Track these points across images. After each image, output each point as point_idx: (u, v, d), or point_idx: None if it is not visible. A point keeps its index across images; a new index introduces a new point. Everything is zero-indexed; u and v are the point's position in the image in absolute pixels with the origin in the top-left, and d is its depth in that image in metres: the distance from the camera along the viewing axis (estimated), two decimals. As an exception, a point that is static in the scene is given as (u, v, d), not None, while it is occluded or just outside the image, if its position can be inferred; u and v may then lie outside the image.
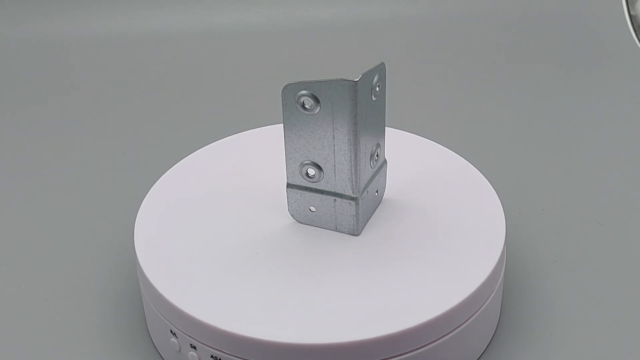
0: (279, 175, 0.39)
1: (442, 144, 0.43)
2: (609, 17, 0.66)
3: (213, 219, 0.38)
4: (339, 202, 0.36)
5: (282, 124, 0.43)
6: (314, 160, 0.35)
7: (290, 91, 0.34)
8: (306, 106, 0.34)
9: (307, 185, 0.36)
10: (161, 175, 0.41)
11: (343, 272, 0.35)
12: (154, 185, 0.40)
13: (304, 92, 0.33)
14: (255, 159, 0.42)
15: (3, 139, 0.54)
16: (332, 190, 0.36)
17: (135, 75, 0.61)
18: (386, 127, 0.43)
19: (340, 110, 0.33)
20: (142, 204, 0.39)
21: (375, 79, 0.34)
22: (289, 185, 0.36)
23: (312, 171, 0.35)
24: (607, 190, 0.47)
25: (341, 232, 0.37)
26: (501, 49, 0.64)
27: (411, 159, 0.41)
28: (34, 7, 0.65)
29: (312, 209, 0.37)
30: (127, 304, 0.39)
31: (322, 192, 0.36)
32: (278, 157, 0.40)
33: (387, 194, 0.39)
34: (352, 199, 0.35)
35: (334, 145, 0.34)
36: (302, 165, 0.35)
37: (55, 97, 0.59)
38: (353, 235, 0.36)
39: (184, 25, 0.65)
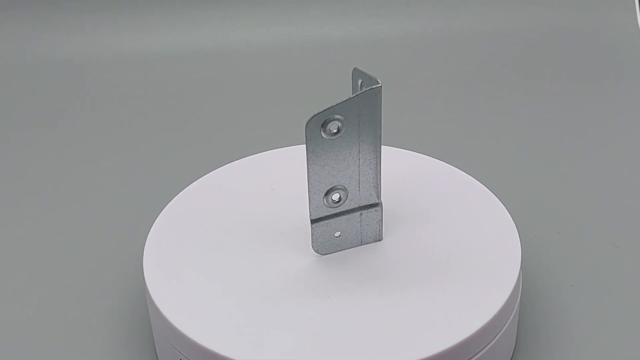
0: (297, 199, 0.38)
1: (453, 164, 0.42)
2: (622, 31, 0.65)
3: (226, 245, 0.37)
4: (364, 214, 0.35)
5: (295, 146, 0.43)
6: (340, 184, 0.34)
7: (315, 122, 0.32)
8: (332, 131, 0.33)
9: (332, 213, 0.35)
10: (173, 198, 0.40)
11: (354, 302, 0.34)
12: (165, 208, 0.40)
13: (329, 118, 0.32)
14: (270, 182, 0.41)
15: (14, 158, 0.53)
16: (357, 205, 0.35)
17: (146, 94, 0.61)
18: (394, 148, 0.43)
19: (367, 120, 0.33)
20: (152, 228, 0.38)
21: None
22: (313, 222, 0.35)
23: (337, 196, 0.35)
24: (623, 211, 0.46)
25: (366, 243, 0.36)
26: (513, 65, 0.63)
27: (421, 180, 0.41)
28: (42, 25, 0.65)
29: (337, 234, 0.36)
30: (137, 329, 0.39)
31: (347, 212, 0.35)
32: (294, 180, 0.40)
33: (398, 217, 0.38)
34: (376, 205, 0.35)
35: (359, 160, 0.34)
36: (327, 194, 0.34)
37: (65, 117, 0.58)
38: (377, 241, 0.36)
39: (195, 44, 0.65)
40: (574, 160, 0.52)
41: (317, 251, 0.36)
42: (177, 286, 0.35)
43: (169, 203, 0.40)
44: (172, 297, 0.34)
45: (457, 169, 0.42)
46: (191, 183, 0.41)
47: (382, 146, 0.42)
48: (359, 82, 0.34)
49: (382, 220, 0.36)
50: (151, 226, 0.38)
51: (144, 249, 0.37)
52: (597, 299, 0.40)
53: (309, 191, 0.34)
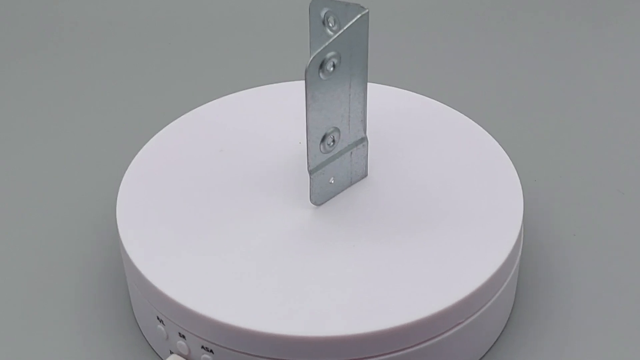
0: (281, 144, 0.37)
1: (452, 106, 0.40)
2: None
3: (206, 195, 0.35)
4: (354, 152, 0.34)
5: (278, 84, 0.41)
6: (334, 125, 0.33)
7: (314, 65, 0.30)
8: (329, 70, 0.31)
9: (327, 158, 0.33)
10: (148, 140, 0.38)
11: (349, 259, 0.32)
12: (139, 152, 0.37)
13: (326, 57, 0.30)
14: (253, 121, 0.39)
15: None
16: (348, 144, 0.34)
17: (119, 22, 0.57)
18: (391, 87, 0.41)
19: (357, 52, 0.31)
20: (125, 174, 0.36)
21: None
22: (312, 172, 0.33)
23: (331, 139, 0.33)
24: (630, 156, 0.44)
25: (355, 182, 0.35)
26: (513, 10, 0.60)
27: (419, 121, 0.39)
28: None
29: (332, 180, 0.34)
30: (111, 285, 0.37)
31: (340, 154, 0.34)
32: (277, 121, 0.38)
33: (397, 163, 0.36)
34: (363, 139, 0.34)
35: (349, 95, 0.33)
36: (323, 140, 0.33)
37: (30, 50, 0.55)
38: (364, 177, 0.35)
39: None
40: (578, 101, 0.49)
41: (314, 203, 0.34)
42: (152, 240, 0.33)
43: (142, 147, 0.37)
44: (147, 253, 0.32)
45: (455, 111, 0.39)
46: (168, 123, 0.39)
47: (381, 85, 0.40)
48: (323, 13, 0.32)
49: (367, 154, 0.35)
50: (125, 171, 0.36)
51: (117, 197, 0.34)
52: (600, 249, 0.38)
53: (307, 141, 0.32)
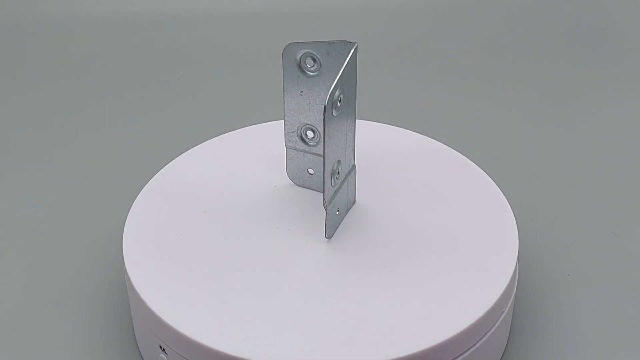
0: (278, 180, 0.38)
1: (448, 144, 0.40)
2: (624, 5, 0.63)
3: (208, 227, 0.35)
4: (349, 180, 0.35)
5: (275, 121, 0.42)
6: (339, 158, 0.34)
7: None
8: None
9: (334, 190, 0.34)
10: (154, 174, 0.39)
11: (342, 291, 0.32)
12: (146, 185, 0.38)
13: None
14: (253, 158, 0.39)
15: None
16: (345, 173, 0.35)
17: (126, 59, 0.58)
18: (389, 125, 0.42)
19: (352, 83, 0.33)
20: (132, 206, 0.37)
21: None
22: (327, 207, 0.34)
23: (337, 171, 0.34)
24: (624, 198, 0.45)
25: (349, 210, 0.36)
26: (511, 42, 0.61)
27: (417, 160, 0.39)
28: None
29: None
30: (115, 311, 0.37)
31: (341, 184, 0.35)
32: (274, 158, 0.39)
33: (390, 198, 0.37)
34: (354, 167, 0.35)
35: (346, 127, 0.34)
36: (332, 173, 0.34)
37: (37, 85, 0.56)
38: (354, 203, 0.36)
39: (176, 8, 0.62)
40: (574, 142, 0.50)
41: (328, 237, 0.35)
42: (157, 271, 0.33)
43: (151, 179, 0.38)
44: (152, 283, 0.33)
45: (452, 149, 0.40)
46: (173, 159, 0.40)
47: (376, 123, 0.41)
48: (299, 56, 0.33)
49: (356, 180, 0.36)
50: (132, 203, 0.37)
51: (123, 229, 0.35)
52: (594, 289, 0.39)
53: (324, 177, 0.33)
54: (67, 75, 0.56)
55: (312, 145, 0.36)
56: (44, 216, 0.44)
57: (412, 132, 0.41)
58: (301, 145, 0.36)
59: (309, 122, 0.35)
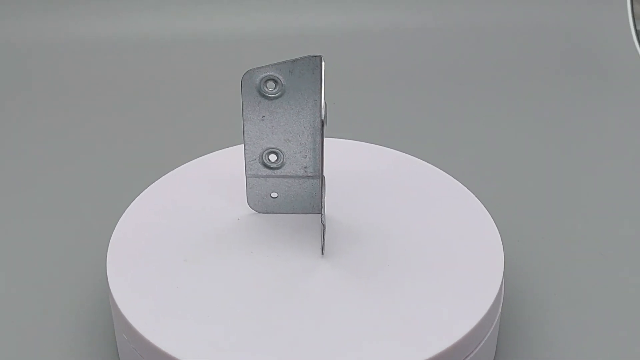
0: (239, 211, 0.37)
1: (435, 164, 0.40)
2: (615, 33, 0.64)
3: (193, 248, 0.35)
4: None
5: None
6: (274, 147, 0.35)
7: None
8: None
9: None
10: (139, 193, 0.39)
11: (329, 310, 0.32)
12: (129, 205, 0.38)
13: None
14: (209, 190, 0.39)
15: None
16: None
17: (120, 81, 0.59)
18: (376, 145, 0.42)
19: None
20: (116, 226, 0.37)
21: None
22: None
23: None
24: (611, 219, 0.45)
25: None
26: (499, 67, 0.61)
27: (402, 179, 0.39)
28: (22, 9, 0.62)
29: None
30: (99, 334, 0.37)
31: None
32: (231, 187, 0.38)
33: (376, 217, 0.37)
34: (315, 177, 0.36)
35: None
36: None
37: (21, 105, 0.56)
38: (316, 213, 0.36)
39: (172, 31, 0.63)
40: (562, 164, 0.50)
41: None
42: (139, 285, 0.33)
43: (136, 198, 0.38)
44: (134, 297, 0.33)
45: (439, 169, 0.40)
46: (159, 178, 0.40)
47: (364, 143, 0.41)
48: (259, 80, 0.33)
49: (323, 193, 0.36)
50: (115, 224, 0.37)
51: (107, 250, 0.35)
52: (580, 309, 0.39)
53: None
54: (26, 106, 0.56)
55: (276, 168, 0.36)
56: (29, 231, 0.43)
57: (398, 151, 0.41)
58: (263, 171, 0.35)
59: (272, 146, 0.35)
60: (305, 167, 0.35)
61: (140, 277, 0.34)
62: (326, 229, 0.34)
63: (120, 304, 0.32)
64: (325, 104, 0.33)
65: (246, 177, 0.36)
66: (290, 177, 0.36)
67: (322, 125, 0.32)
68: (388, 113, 0.55)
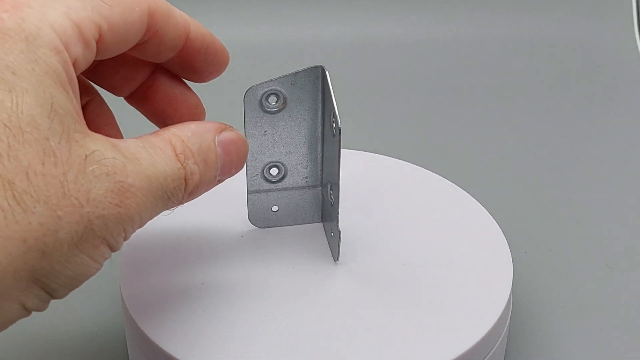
0: (240, 227, 0.37)
1: (443, 176, 0.41)
2: (619, 44, 0.64)
3: (207, 268, 0.35)
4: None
5: None
6: (276, 161, 0.35)
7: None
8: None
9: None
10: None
11: (335, 320, 0.33)
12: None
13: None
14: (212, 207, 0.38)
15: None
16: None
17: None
18: (386, 156, 0.42)
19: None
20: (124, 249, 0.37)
21: None
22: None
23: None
24: (618, 231, 0.45)
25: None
26: (505, 78, 0.61)
27: (410, 190, 0.40)
28: None
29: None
30: (110, 342, 0.37)
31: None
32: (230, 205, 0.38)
33: (385, 228, 0.37)
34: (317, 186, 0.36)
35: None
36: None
37: None
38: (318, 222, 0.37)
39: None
40: (569, 176, 0.50)
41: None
42: (155, 299, 0.33)
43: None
44: (148, 309, 0.33)
45: (448, 181, 0.41)
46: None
47: (373, 154, 0.41)
48: (260, 95, 0.33)
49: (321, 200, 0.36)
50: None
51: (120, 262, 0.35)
52: (588, 321, 0.39)
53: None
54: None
55: (277, 181, 0.35)
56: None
57: (407, 162, 0.42)
58: (265, 186, 0.35)
59: (274, 160, 0.35)
60: (306, 178, 0.36)
61: (160, 301, 0.33)
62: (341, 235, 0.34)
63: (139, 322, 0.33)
64: (335, 113, 0.33)
65: (247, 193, 0.35)
66: (292, 188, 0.36)
67: (339, 134, 0.32)
68: (397, 124, 0.55)
